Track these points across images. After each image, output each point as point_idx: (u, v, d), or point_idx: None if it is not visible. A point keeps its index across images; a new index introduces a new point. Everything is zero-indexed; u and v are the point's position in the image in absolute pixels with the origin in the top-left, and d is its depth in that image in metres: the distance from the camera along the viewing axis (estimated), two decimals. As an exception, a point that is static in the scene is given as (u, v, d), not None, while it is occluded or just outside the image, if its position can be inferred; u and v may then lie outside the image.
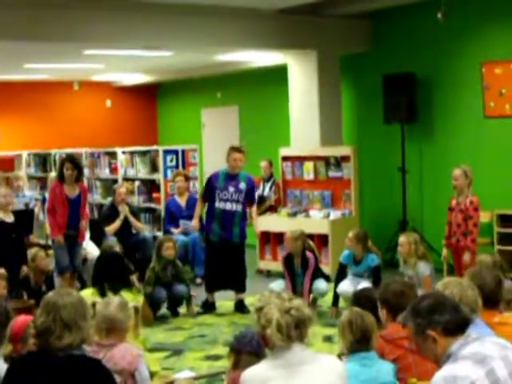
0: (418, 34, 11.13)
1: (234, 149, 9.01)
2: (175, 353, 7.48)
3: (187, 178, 11.33)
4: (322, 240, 10.62)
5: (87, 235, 9.92)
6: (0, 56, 11.78)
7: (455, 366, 3.19)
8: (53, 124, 16.38)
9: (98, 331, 4.66)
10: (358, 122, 12.28)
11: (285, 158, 11.73)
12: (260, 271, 11.38)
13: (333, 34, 11.29)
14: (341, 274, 8.66)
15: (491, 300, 4.67)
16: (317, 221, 10.79)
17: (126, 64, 13.89)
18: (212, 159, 15.13)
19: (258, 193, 11.70)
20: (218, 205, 8.94)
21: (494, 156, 10.29)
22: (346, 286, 8.44)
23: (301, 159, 11.53)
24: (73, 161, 9.01)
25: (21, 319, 4.91)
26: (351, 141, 12.01)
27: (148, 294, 8.51)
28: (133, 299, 5.86)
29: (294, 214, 11.13)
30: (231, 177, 8.97)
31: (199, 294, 9.56)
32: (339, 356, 4.37)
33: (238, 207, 8.96)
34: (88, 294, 6.10)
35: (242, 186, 8.97)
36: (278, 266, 9.82)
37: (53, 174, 12.29)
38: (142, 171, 12.53)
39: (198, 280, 10.36)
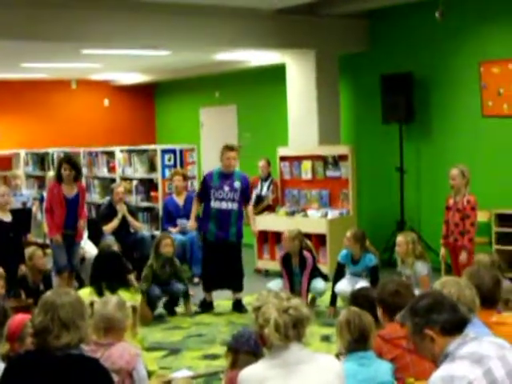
0: (416, 33, 11.14)
1: (227, 148, 9.04)
2: (173, 352, 7.48)
3: (185, 178, 11.33)
4: (320, 239, 10.63)
5: (85, 234, 9.92)
6: (-2, 55, 11.79)
7: (453, 365, 3.19)
8: (51, 123, 16.37)
9: (96, 330, 4.66)
10: (356, 121, 12.28)
11: (283, 158, 11.73)
12: (258, 271, 11.38)
13: (331, 33, 11.30)
14: (339, 274, 8.66)
15: (489, 300, 4.67)
16: (315, 220, 10.79)
17: (124, 63, 13.89)
18: (210, 158, 15.12)
19: (255, 192, 11.74)
20: (214, 204, 8.96)
21: (492, 155, 10.29)
22: (344, 286, 8.44)
23: (299, 159, 11.53)
24: (70, 161, 9.00)
25: (18, 318, 4.90)
26: (349, 140, 12.01)
27: (144, 291, 8.53)
28: (131, 298, 5.85)
29: (291, 214, 11.13)
30: (226, 176, 8.98)
31: (197, 293, 9.56)
32: (337, 355, 4.37)
33: (234, 206, 8.97)
34: (86, 293, 6.09)
35: (237, 184, 8.98)
36: (276, 265, 9.82)
37: (51, 173, 12.30)
38: (139, 170, 12.53)
39: (196, 279, 10.36)
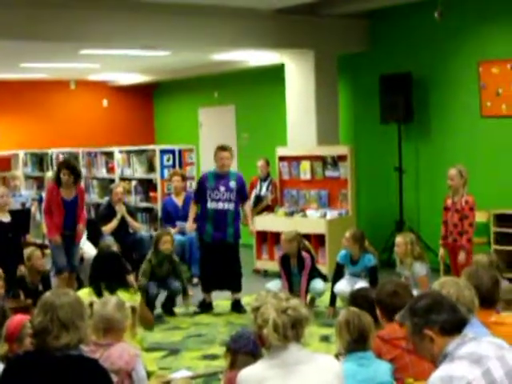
0: (415, 33, 11.14)
1: (220, 148, 9.09)
2: (172, 352, 7.48)
3: (184, 178, 11.33)
4: (319, 240, 10.63)
5: (84, 235, 9.91)
6: (-3, 55, 11.79)
7: (452, 365, 3.20)
8: (50, 123, 16.36)
9: (96, 331, 4.66)
10: (354, 121, 12.28)
11: (282, 158, 11.73)
12: (257, 271, 11.38)
13: (330, 33, 11.30)
14: (338, 274, 8.66)
15: (488, 300, 4.67)
16: (314, 220, 10.79)
17: (123, 64, 13.88)
18: (209, 159, 15.03)
19: (255, 192, 11.74)
20: (210, 205, 8.97)
21: (490, 156, 10.30)
22: (343, 286, 8.44)
23: (298, 159, 11.53)
24: (70, 166, 8.98)
25: (17, 319, 4.90)
26: (348, 140, 12.02)
27: (142, 286, 8.58)
28: (130, 299, 5.84)
29: (290, 214, 11.13)
30: (221, 176, 9.01)
31: (196, 293, 9.55)
32: (336, 356, 4.37)
33: (230, 206, 8.98)
34: (85, 293, 6.08)
35: (233, 184, 9.00)
36: (274, 265, 9.82)
37: (50, 174, 12.30)
38: (138, 171, 12.53)
39: (195, 280, 10.36)
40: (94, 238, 10.15)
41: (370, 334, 4.39)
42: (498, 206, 9.83)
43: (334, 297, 8.63)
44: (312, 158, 11.35)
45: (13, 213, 9.00)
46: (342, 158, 10.99)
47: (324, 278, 9.07)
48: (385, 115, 11.12)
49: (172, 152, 12.12)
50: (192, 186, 12.01)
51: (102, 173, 13.49)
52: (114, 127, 16.97)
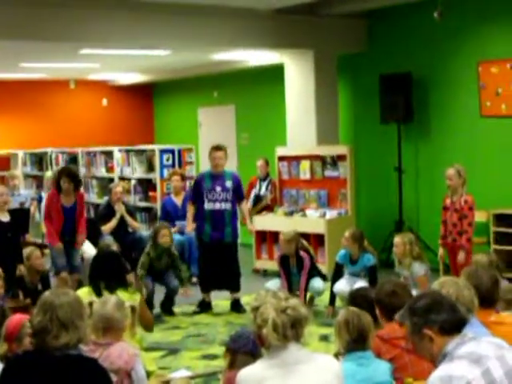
0: (415, 33, 11.14)
1: (213, 148, 9.12)
2: (171, 352, 7.48)
3: (183, 178, 11.33)
4: (319, 239, 10.63)
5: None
6: (-4, 55, 11.78)
7: (451, 365, 3.19)
8: (49, 123, 16.37)
9: (95, 330, 4.66)
10: (354, 121, 12.28)
11: (281, 158, 11.73)
12: (256, 270, 11.38)
13: (329, 33, 11.29)
14: (337, 274, 8.66)
15: (487, 300, 4.67)
16: (313, 220, 10.79)
17: (123, 63, 13.88)
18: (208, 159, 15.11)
19: (254, 192, 11.75)
20: (207, 206, 8.99)
21: (490, 156, 10.30)
22: (343, 286, 8.44)
23: (297, 158, 11.53)
24: (70, 174, 8.97)
25: (16, 318, 4.90)
26: (348, 140, 12.02)
27: (141, 277, 8.68)
28: (129, 298, 5.84)
29: (290, 214, 11.13)
30: (216, 176, 9.01)
31: (195, 293, 9.54)
32: (336, 355, 4.37)
33: (227, 206, 9.00)
34: (85, 293, 6.08)
35: (229, 184, 9.01)
36: (274, 265, 9.82)
37: (49, 173, 12.30)
38: (138, 170, 12.53)
39: (194, 279, 10.35)
40: (94, 238, 10.14)
41: (370, 334, 4.39)
42: (497, 205, 9.82)
43: (333, 296, 8.63)
44: (311, 158, 11.35)
45: (12, 212, 8.98)
46: (341, 157, 10.99)
47: (323, 276, 9.07)
48: (384, 115, 11.12)
49: (171, 152, 12.12)
50: (191, 185, 12.00)
51: (102, 172, 13.49)
52: (113, 127, 16.97)
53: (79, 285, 9.25)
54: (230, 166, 14.13)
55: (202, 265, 9.30)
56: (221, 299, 9.34)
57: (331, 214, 10.81)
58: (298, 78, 11.59)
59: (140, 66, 14.71)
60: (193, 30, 10.11)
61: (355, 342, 4.34)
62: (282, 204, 11.65)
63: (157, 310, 8.95)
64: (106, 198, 11.50)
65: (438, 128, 10.98)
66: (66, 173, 9.00)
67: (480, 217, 9.58)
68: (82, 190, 9.15)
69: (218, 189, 8.97)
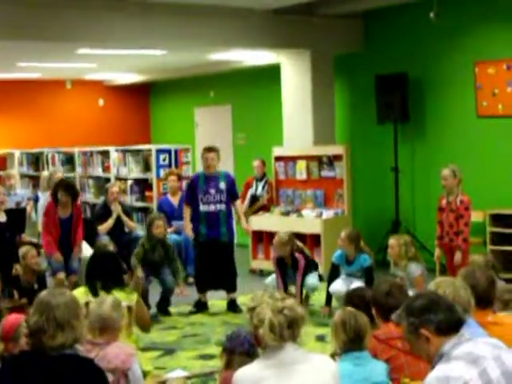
0: (411, 34, 11.15)
1: (205, 149, 9.14)
2: (168, 352, 7.48)
3: (180, 178, 11.33)
4: (315, 239, 10.63)
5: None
6: (-7, 54, 11.77)
7: (448, 366, 3.20)
8: (45, 123, 16.35)
9: (92, 330, 4.65)
10: (350, 121, 12.28)
11: (278, 158, 11.73)
12: (253, 271, 11.38)
13: (326, 33, 11.29)
14: (333, 274, 8.65)
15: (484, 300, 4.67)
16: (309, 220, 10.79)
17: (119, 63, 13.87)
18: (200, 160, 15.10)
19: (250, 192, 11.75)
20: (202, 208, 9.01)
21: (486, 156, 10.30)
22: (339, 286, 8.44)
23: (294, 158, 11.53)
24: (67, 187, 8.95)
25: (12, 318, 4.90)
26: (344, 140, 12.01)
27: (134, 267, 8.74)
28: (126, 298, 5.84)
29: (286, 214, 11.13)
30: (210, 178, 9.02)
31: (192, 293, 9.54)
32: (332, 356, 4.37)
33: (222, 207, 9.02)
34: (81, 292, 6.07)
35: (222, 185, 9.03)
36: (270, 265, 9.80)
37: (45, 173, 12.28)
38: (134, 170, 12.52)
39: (191, 279, 10.35)
40: (90, 238, 10.13)
41: (366, 334, 4.39)
42: (493, 206, 9.83)
43: (329, 296, 8.63)
44: (308, 158, 11.35)
45: (8, 212, 8.98)
46: (337, 157, 11.00)
47: (316, 266, 9.12)
48: (381, 115, 11.12)
49: (168, 152, 12.11)
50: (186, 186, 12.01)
51: (98, 172, 13.48)
52: (109, 127, 16.96)
53: (75, 284, 9.25)
54: (227, 165, 14.17)
55: (198, 265, 9.30)
56: (217, 299, 9.34)
57: (328, 214, 10.81)
58: (295, 78, 11.59)
59: (137, 66, 14.71)
60: (190, 30, 10.10)
61: (352, 343, 4.34)
62: (279, 204, 11.65)
63: (153, 310, 8.94)
64: (102, 198, 11.50)
65: (435, 128, 10.99)
66: (63, 185, 8.99)
67: (476, 217, 9.58)
68: (79, 201, 9.12)
69: (213, 191, 8.98)
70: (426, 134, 11.12)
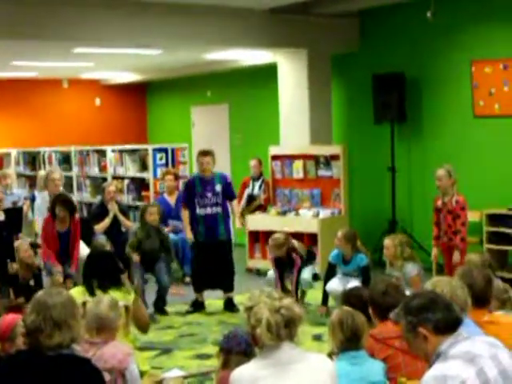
0: (408, 33, 11.15)
1: (200, 153, 9.09)
2: (164, 352, 7.48)
3: (177, 177, 11.32)
4: (312, 239, 10.62)
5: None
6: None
7: (446, 365, 3.20)
8: (42, 122, 16.34)
9: (89, 330, 4.65)
10: (347, 121, 12.28)
11: (274, 157, 11.73)
12: (249, 270, 11.38)
13: (323, 33, 11.29)
14: (330, 274, 8.65)
15: (481, 299, 4.68)
16: (306, 220, 10.79)
17: (116, 62, 13.86)
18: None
19: (247, 192, 11.74)
20: (199, 211, 9.01)
21: (483, 155, 10.31)
22: (335, 285, 8.45)
23: (290, 158, 11.53)
24: (65, 202, 8.94)
25: (9, 318, 4.89)
26: (341, 140, 12.02)
27: (128, 254, 8.80)
28: (123, 298, 5.83)
29: (283, 213, 11.13)
30: (206, 181, 9.01)
31: (188, 292, 9.54)
32: (329, 355, 4.37)
33: (218, 209, 9.03)
34: (78, 292, 6.06)
35: (218, 188, 9.02)
36: (267, 264, 9.81)
37: (42, 172, 12.26)
38: (131, 169, 12.51)
39: (187, 279, 10.35)
40: (87, 237, 10.12)
41: (363, 334, 4.39)
42: (490, 205, 9.83)
43: (326, 296, 8.63)
44: (305, 158, 11.35)
45: (5, 211, 8.97)
46: (334, 157, 11.00)
47: (314, 256, 9.22)
48: (378, 115, 11.12)
49: (165, 151, 12.11)
50: (182, 188, 12.01)
51: (95, 171, 13.47)
52: (106, 126, 16.95)
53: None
54: (223, 165, 14.17)
55: (195, 264, 9.29)
56: (214, 299, 9.34)
57: (324, 213, 10.82)
58: (292, 78, 11.59)
59: (133, 65, 14.70)
60: (187, 30, 10.10)
61: (349, 342, 4.35)
62: (276, 203, 11.65)
63: (150, 309, 8.93)
64: (99, 198, 11.49)
65: (431, 128, 10.99)
66: (61, 200, 8.98)
67: (473, 216, 9.59)
68: (77, 216, 9.12)
69: (209, 194, 8.98)
70: (423, 133, 11.13)
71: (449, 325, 3.34)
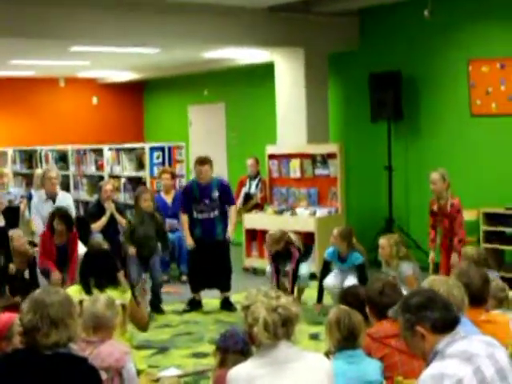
0: (405, 31, 11.15)
1: (197, 162, 9.01)
2: (161, 350, 7.48)
3: (173, 176, 11.32)
4: (309, 238, 10.62)
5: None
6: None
7: (443, 363, 3.20)
8: (39, 121, 16.33)
9: (86, 329, 4.65)
10: (344, 119, 12.28)
11: (271, 156, 11.73)
12: (246, 269, 11.38)
13: (321, 31, 11.28)
14: (325, 271, 8.68)
15: (478, 298, 4.68)
16: (303, 218, 10.79)
17: (113, 61, 13.85)
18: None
19: (244, 190, 11.75)
20: (197, 216, 9.02)
21: (480, 154, 10.31)
22: (331, 281, 8.49)
23: (287, 157, 11.53)
24: (63, 217, 8.94)
25: (5, 317, 4.88)
26: (338, 138, 12.01)
27: (123, 243, 8.91)
28: (119, 297, 5.83)
29: (280, 212, 11.13)
30: (203, 188, 8.98)
31: (185, 291, 9.53)
32: (326, 354, 4.37)
33: (216, 213, 9.03)
34: (75, 290, 6.06)
35: (215, 194, 9.00)
36: (264, 263, 9.82)
37: (39, 171, 12.24)
38: (128, 168, 12.50)
39: (184, 277, 10.34)
40: (84, 236, 10.11)
41: (360, 333, 4.39)
42: (487, 204, 9.84)
43: (321, 293, 8.65)
44: (302, 156, 11.35)
45: (2, 211, 8.95)
46: (331, 156, 11.00)
47: (311, 248, 9.38)
48: (374, 113, 11.13)
49: (162, 149, 12.09)
50: (181, 183, 12.00)
51: (92, 170, 13.45)
52: (103, 125, 16.94)
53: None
54: (220, 163, 14.18)
55: (191, 264, 9.26)
56: (211, 298, 9.33)
57: (321, 212, 10.82)
58: (289, 76, 11.59)
59: (130, 64, 14.69)
60: (184, 28, 10.09)
61: (346, 341, 4.35)
62: (272, 202, 11.65)
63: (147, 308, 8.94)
64: (95, 196, 11.47)
65: (428, 126, 10.99)
66: (59, 215, 8.98)
67: (470, 215, 9.59)
68: (74, 230, 9.12)
69: (206, 201, 8.97)
70: (420, 132, 11.13)
71: (447, 324, 3.34)
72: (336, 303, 5.69)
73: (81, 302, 4.95)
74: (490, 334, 3.65)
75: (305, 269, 9.00)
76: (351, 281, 8.41)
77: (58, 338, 3.52)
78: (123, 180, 12.51)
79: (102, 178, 12.77)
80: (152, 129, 17.32)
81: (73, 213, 10.10)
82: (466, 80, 10.32)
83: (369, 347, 4.44)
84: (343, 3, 10.87)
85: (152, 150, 12.03)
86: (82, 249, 9.57)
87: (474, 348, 3.24)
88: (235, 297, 8.98)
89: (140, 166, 12.23)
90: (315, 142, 11.37)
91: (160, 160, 11.97)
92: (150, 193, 9.09)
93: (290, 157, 11.50)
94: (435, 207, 8.59)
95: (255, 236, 11.38)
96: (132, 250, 8.94)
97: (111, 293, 5.74)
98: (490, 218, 9.67)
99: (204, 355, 7.16)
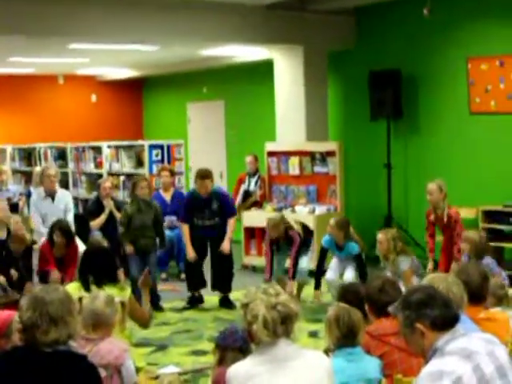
0: (405, 30, 11.14)
1: (198, 176, 8.95)
2: (160, 348, 7.48)
3: (172, 173, 11.31)
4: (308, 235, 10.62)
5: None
6: (-16, 49, 11.73)
7: (442, 360, 3.20)
8: (38, 118, 16.32)
9: (85, 326, 4.65)
10: (343, 117, 12.28)
11: (270, 153, 11.73)
12: (245, 266, 11.38)
13: (320, 29, 11.28)
14: (322, 258, 8.83)
15: (477, 296, 4.69)
16: (302, 216, 10.77)
17: (112, 58, 13.84)
18: (197, 154, 15.11)
19: (243, 188, 11.75)
20: (197, 223, 9.03)
21: (479, 152, 10.31)
22: (331, 276, 8.63)
23: (286, 154, 11.53)
24: (63, 229, 8.92)
25: (4, 314, 4.87)
26: (337, 136, 12.02)
27: (122, 235, 8.96)
28: (119, 294, 5.83)
29: (279, 210, 11.12)
30: (203, 199, 8.96)
31: (183, 289, 9.53)
32: (326, 352, 4.37)
33: (217, 220, 9.04)
34: (74, 288, 6.06)
35: (215, 205, 8.99)
36: (263, 261, 9.80)
37: (38, 169, 12.26)
38: (127, 166, 12.49)
39: (183, 275, 10.34)
40: (83, 234, 10.12)
41: (360, 330, 4.39)
42: (486, 202, 9.84)
43: (318, 280, 8.73)
44: (301, 154, 11.35)
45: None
46: (330, 153, 11.00)
47: (312, 234, 9.42)
48: (374, 111, 11.12)
49: (161, 147, 12.09)
50: (180, 181, 12.00)
51: (90, 168, 13.44)
52: (102, 122, 16.94)
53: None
54: (219, 161, 14.19)
55: (189, 263, 9.20)
56: (210, 295, 9.33)
57: (320, 209, 10.83)
58: (288, 74, 11.58)
59: (130, 61, 14.68)
60: (183, 25, 10.09)
61: (345, 338, 4.35)
62: (271, 200, 11.65)
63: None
64: (94, 194, 11.46)
65: (427, 124, 10.99)
66: (58, 227, 8.96)
67: (469, 213, 9.60)
68: (75, 242, 9.11)
69: (206, 211, 8.98)
70: (419, 130, 11.13)
71: (446, 321, 3.34)
72: (335, 296, 5.71)
73: (80, 300, 4.95)
74: (490, 332, 3.64)
75: (305, 263, 8.99)
76: (350, 273, 8.47)
77: (58, 336, 3.52)
78: (122, 177, 12.51)
79: (100, 175, 12.76)
80: (151, 126, 17.31)
81: (72, 212, 10.11)
82: (465, 78, 10.32)
83: (368, 345, 4.44)
84: (339, 1, 10.86)
85: (151, 147, 12.02)
86: (81, 247, 9.59)
87: (473, 345, 3.24)
88: (234, 294, 8.98)
89: (139, 163, 12.22)
90: (314, 139, 11.37)
91: (159, 157, 11.97)
92: (146, 181, 9.07)
93: (289, 154, 11.50)
94: (432, 217, 8.58)
95: (254, 234, 11.37)
96: (130, 248, 8.93)
97: (110, 290, 5.73)
98: (489, 216, 9.68)
99: (203, 353, 7.16)
